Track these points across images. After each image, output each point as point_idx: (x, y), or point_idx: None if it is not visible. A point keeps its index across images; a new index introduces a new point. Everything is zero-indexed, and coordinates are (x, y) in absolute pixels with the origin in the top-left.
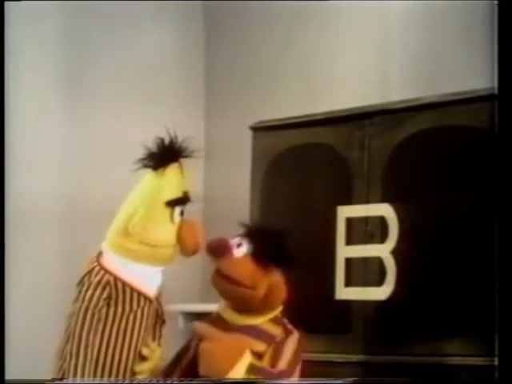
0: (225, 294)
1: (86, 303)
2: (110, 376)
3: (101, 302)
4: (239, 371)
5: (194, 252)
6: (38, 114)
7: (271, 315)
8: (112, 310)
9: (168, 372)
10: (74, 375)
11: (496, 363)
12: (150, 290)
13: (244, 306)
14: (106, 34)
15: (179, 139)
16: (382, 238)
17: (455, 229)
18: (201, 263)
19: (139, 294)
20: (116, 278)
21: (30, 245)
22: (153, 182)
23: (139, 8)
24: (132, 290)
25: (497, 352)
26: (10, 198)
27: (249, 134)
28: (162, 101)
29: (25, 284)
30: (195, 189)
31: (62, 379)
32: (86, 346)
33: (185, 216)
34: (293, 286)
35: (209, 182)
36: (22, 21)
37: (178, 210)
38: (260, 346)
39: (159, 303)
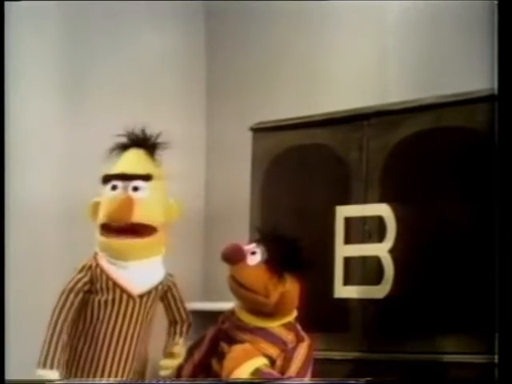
0: (239, 299)
1: (65, 285)
2: (86, 359)
3: (79, 285)
4: (243, 372)
5: (112, 219)
6: (38, 114)
7: (284, 320)
8: (92, 296)
9: (180, 366)
10: (42, 349)
11: (496, 361)
12: (132, 285)
13: (257, 311)
14: (107, 34)
15: (143, 131)
16: (380, 237)
17: (452, 228)
18: (201, 261)
19: (115, 284)
20: (97, 265)
21: (30, 244)
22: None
23: (140, 9)
24: (108, 278)
25: (497, 350)
26: (10, 197)
27: (249, 134)
28: (163, 102)
29: (25, 283)
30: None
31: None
32: (55, 325)
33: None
34: (306, 291)
35: (209, 181)
36: (22, 21)
37: (109, 185)
38: (271, 350)
39: (178, 307)
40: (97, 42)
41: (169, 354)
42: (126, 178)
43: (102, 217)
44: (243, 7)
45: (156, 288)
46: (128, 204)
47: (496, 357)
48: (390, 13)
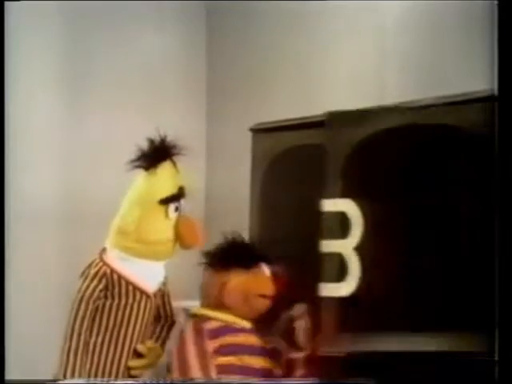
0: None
1: (81, 293)
2: (105, 364)
3: (96, 293)
4: None
5: (193, 246)
6: (39, 113)
7: None
8: (109, 301)
9: None
10: (67, 359)
11: (496, 359)
12: (148, 285)
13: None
14: (108, 34)
15: (169, 138)
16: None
17: (452, 225)
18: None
19: (134, 287)
20: (112, 271)
21: (29, 244)
22: (146, 182)
23: (141, 9)
24: (127, 283)
25: (497, 347)
26: (9, 197)
27: (249, 135)
28: (163, 102)
29: (25, 283)
30: (192, 185)
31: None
32: (79, 334)
33: (181, 212)
34: None
35: (209, 182)
36: (22, 20)
37: (172, 206)
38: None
39: (164, 302)
40: (98, 43)
41: (136, 354)
42: (180, 197)
43: (168, 238)
44: (244, 7)
45: (163, 284)
46: (197, 228)
47: (496, 354)
48: (389, 13)
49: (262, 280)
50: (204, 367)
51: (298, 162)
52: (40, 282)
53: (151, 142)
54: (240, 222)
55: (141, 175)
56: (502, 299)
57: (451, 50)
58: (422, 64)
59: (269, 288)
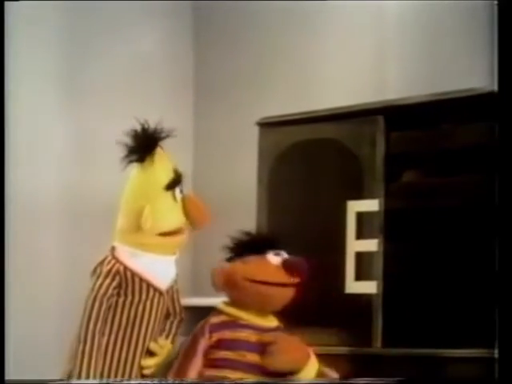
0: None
1: (95, 292)
2: (118, 363)
3: (110, 291)
4: (310, 372)
5: (203, 223)
6: (38, 111)
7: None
8: (121, 299)
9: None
10: (81, 360)
11: (496, 356)
12: (160, 281)
13: (266, 311)
14: (98, 33)
15: (152, 124)
16: None
17: (451, 226)
18: (191, 257)
19: (148, 284)
20: (125, 268)
21: (30, 242)
22: (144, 173)
23: (128, 7)
24: (141, 280)
25: (497, 344)
26: (10, 194)
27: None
28: (152, 100)
29: (25, 282)
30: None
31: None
32: (93, 334)
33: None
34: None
35: (214, 178)
36: (21, 21)
37: (177, 190)
38: None
39: (173, 299)
40: (90, 41)
41: (147, 353)
42: (180, 178)
43: (182, 222)
44: (232, 3)
45: (175, 281)
46: (202, 205)
47: (496, 351)
48: (389, 11)
49: (263, 266)
50: (192, 363)
51: (306, 156)
52: (40, 281)
53: (136, 133)
54: (228, 217)
55: (136, 169)
56: (502, 299)
57: (451, 50)
58: (422, 63)
59: (274, 275)
